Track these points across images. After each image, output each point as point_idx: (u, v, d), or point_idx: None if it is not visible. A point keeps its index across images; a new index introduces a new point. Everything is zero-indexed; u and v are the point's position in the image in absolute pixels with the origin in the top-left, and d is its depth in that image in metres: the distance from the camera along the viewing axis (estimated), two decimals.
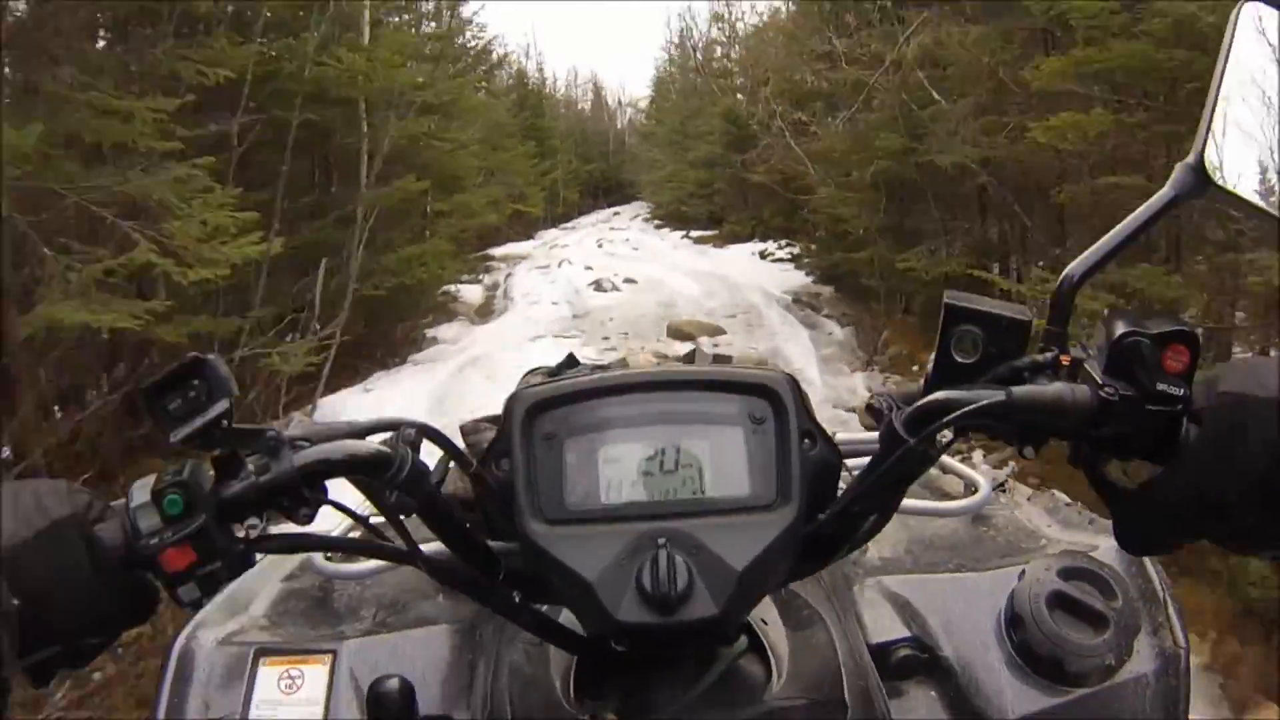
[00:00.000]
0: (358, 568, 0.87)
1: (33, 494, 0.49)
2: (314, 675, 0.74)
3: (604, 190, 34.41)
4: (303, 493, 0.53)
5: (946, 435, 0.53)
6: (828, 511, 0.59)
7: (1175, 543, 0.53)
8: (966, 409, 0.52)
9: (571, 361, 1.02)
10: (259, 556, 0.54)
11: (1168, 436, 0.50)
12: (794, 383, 0.59)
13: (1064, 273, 0.57)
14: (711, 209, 18.34)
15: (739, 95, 15.04)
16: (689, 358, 0.97)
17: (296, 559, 0.93)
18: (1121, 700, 0.70)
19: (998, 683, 0.70)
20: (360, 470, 0.54)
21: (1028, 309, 0.56)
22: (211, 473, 0.52)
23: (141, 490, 0.51)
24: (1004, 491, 0.99)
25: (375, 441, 0.56)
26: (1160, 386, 0.50)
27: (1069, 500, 0.97)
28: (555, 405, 0.58)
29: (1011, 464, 3.62)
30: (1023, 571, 0.72)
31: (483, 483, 0.59)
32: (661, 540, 0.53)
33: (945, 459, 1.09)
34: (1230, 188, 0.58)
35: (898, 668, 0.72)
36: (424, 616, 0.82)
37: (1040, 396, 0.52)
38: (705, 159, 17.98)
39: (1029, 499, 0.97)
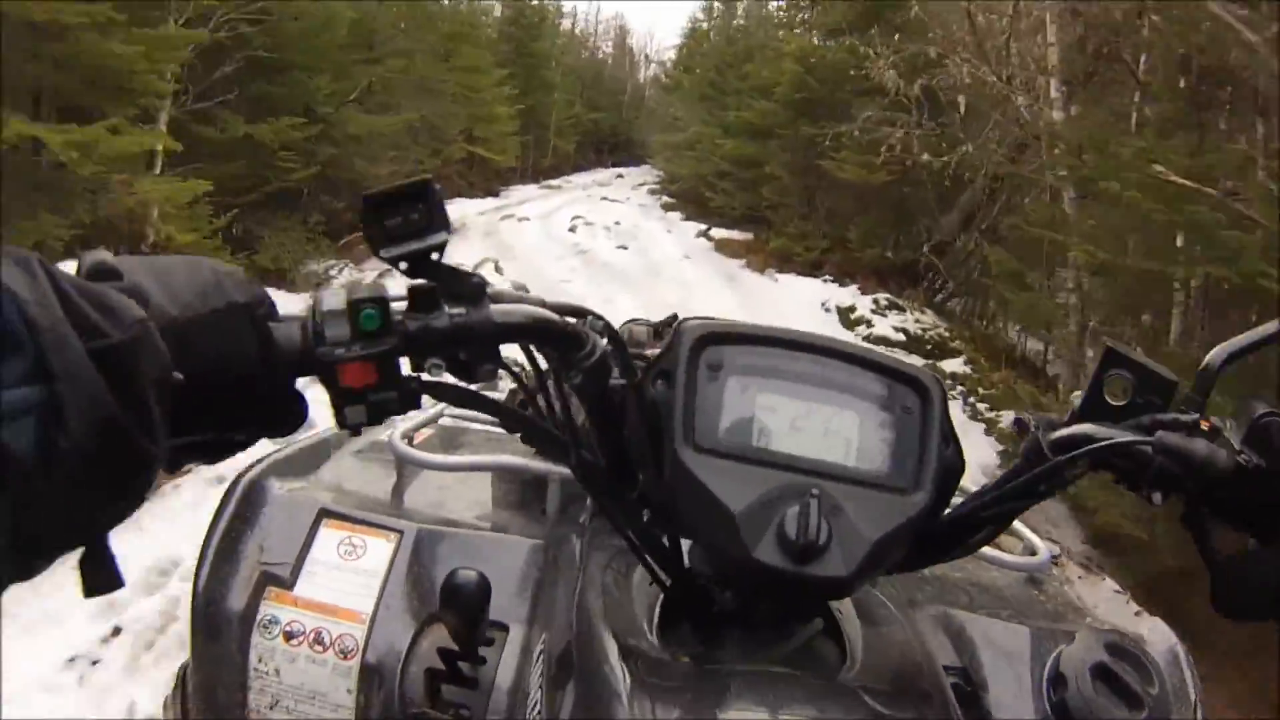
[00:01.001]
0: (433, 458, 0.95)
1: (213, 272, 0.50)
2: (376, 548, 0.82)
3: (610, 146, 32.86)
4: (488, 349, 0.56)
5: (1082, 466, 0.64)
6: (954, 510, 0.69)
7: (1265, 613, 0.63)
8: (1114, 441, 0.63)
9: (676, 319, 1.10)
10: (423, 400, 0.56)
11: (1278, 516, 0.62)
12: (942, 386, 0.69)
13: (1214, 350, 0.67)
14: (751, 202, 13.16)
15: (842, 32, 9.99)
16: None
17: (372, 435, 1.02)
18: None
19: None
20: (554, 342, 0.59)
21: (1172, 373, 0.67)
22: (404, 303, 0.55)
23: (334, 298, 0.53)
24: (1058, 564, 1.13)
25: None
26: None
27: (1118, 589, 1.08)
28: (726, 341, 0.66)
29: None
30: (1073, 636, 0.81)
31: (640, 396, 0.65)
32: (815, 491, 0.60)
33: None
34: None
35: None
36: (495, 522, 0.90)
37: (1186, 447, 0.62)
38: (751, 125, 12.80)
39: (1080, 578, 1.09)
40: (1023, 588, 1.04)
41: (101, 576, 0.45)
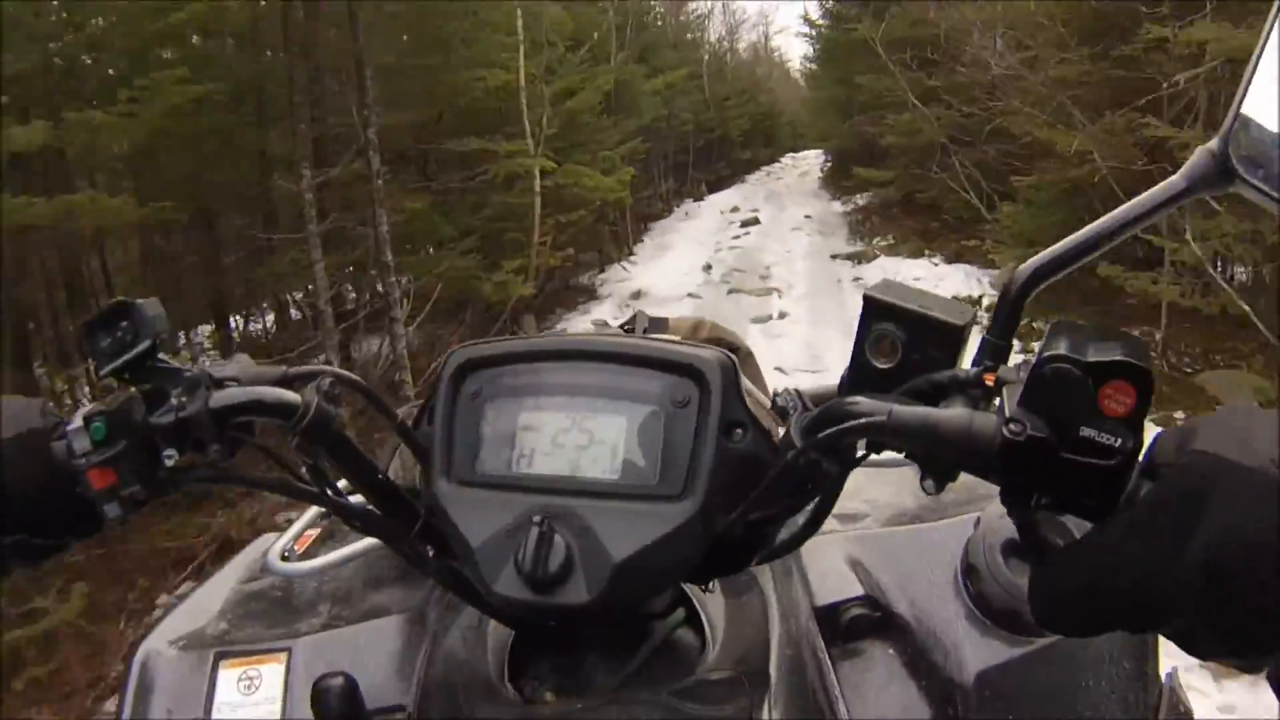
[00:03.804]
0: (313, 565, 0.97)
1: (12, 407, 0.62)
2: (271, 674, 0.83)
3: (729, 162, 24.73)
4: (217, 430, 0.61)
5: (859, 449, 0.54)
6: (733, 514, 0.60)
7: (1087, 625, 0.46)
8: (849, 424, 0.50)
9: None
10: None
11: (1106, 495, 0.45)
12: (728, 366, 0.61)
13: (1016, 270, 0.53)
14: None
15: None
16: (629, 324, 0.99)
17: (250, 562, 1.04)
18: (1085, 647, 0.72)
19: (955, 636, 0.74)
20: (265, 413, 0.62)
21: (970, 310, 0.54)
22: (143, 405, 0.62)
23: (79, 416, 0.62)
24: None
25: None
26: (1085, 432, 0.44)
27: None
28: (485, 365, 0.65)
29: None
30: (978, 520, 0.75)
31: (406, 436, 0.67)
32: (537, 518, 0.58)
33: None
34: (1258, 183, 0.51)
35: (849, 628, 0.77)
36: (376, 608, 0.90)
37: (922, 421, 0.48)
38: None
39: None
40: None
41: None
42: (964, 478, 0.88)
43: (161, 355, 0.62)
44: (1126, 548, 0.42)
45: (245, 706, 0.81)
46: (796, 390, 0.59)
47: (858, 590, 0.79)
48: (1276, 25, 0.53)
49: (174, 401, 0.61)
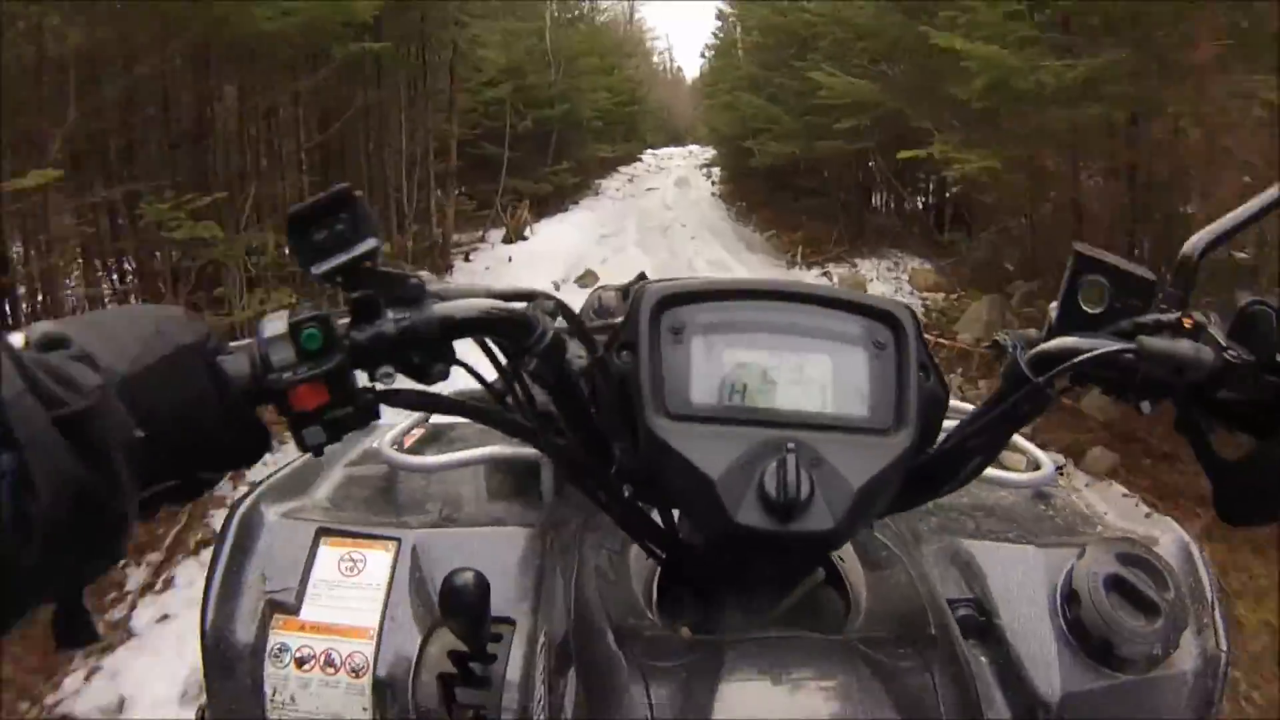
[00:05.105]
0: (424, 460, 0.96)
1: (153, 319, 0.51)
2: (376, 560, 0.82)
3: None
4: (439, 348, 0.57)
5: (1064, 382, 0.62)
6: (937, 445, 0.67)
7: (1271, 516, 0.61)
8: (1095, 353, 0.60)
9: (642, 276, 1.09)
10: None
11: (1278, 410, 0.58)
12: (915, 315, 0.67)
13: (1190, 240, 0.65)
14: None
15: None
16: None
17: (362, 446, 1.03)
18: (1161, 693, 0.78)
19: (1047, 656, 0.78)
20: (503, 331, 0.59)
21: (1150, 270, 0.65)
22: (345, 319, 0.55)
23: (276, 323, 0.54)
24: (1063, 474, 1.11)
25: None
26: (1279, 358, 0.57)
27: (1126, 492, 1.06)
28: (685, 301, 0.65)
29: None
30: (1083, 550, 0.80)
31: (605, 370, 0.64)
32: (791, 446, 0.59)
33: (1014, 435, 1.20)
34: None
35: (958, 626, 0.79)
36: (489, 515, 0.91)
37: (1169, 350, 0.59)
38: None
39: (1086, 485, 1.08)
40: (1030, 504, 1.02)
41: (77, 630, 0.47)
42: (1069, 511, 0.99)
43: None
44: None
45: (345, 587, 0.80)
46: (1013, 333, 0.66)
47: (968, 592, 0.84)
48: None
49: (391, 314, 0.55)
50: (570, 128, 14.46)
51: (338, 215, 0.54)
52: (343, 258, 0.53)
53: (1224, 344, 0.59)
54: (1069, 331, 0.63)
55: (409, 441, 1.06)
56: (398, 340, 0.55)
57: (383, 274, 0.55)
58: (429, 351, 0.57)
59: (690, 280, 0.67)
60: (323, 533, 0.83)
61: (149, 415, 0.47)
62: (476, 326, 0.57)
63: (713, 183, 19.97)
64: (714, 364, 0.64)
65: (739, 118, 13.31)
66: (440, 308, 0.56)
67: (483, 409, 0.66)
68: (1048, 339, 0.63)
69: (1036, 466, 1.04)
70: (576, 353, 0.65)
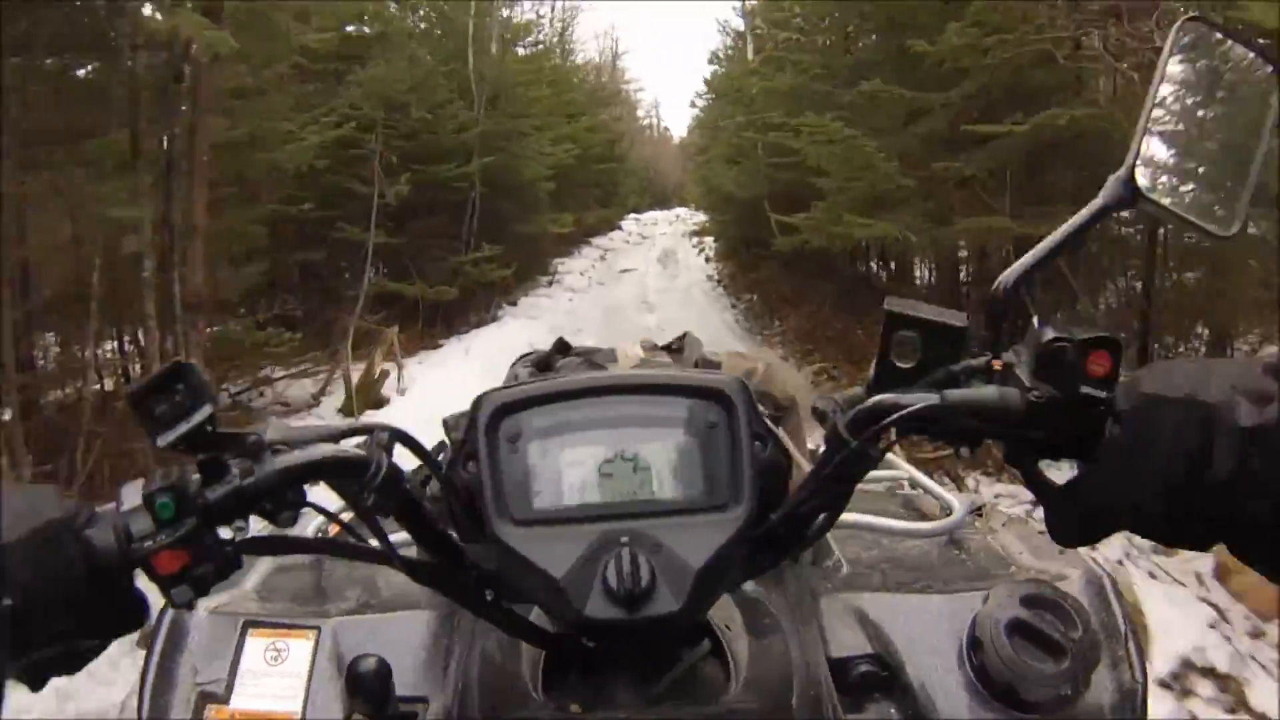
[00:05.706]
0: None
1: (24, 497, 0.54)
2: (298, 649, 0.87)
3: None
4: (285, 495, 0.60)
5: (890, 436, 0.63)
6: (779, 511, 0.68)
7: (1099, 536, 0.62)
8: (904, 411, 0.61)
9: (561, 346, 1.14)
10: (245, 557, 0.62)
11: (1092, 437, 0.59)
12: (744, 387, 0.69)
13: (998, 279, 0.67)
14: None
15: None
16: (677, 343, 1.09)
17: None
18: None
19: (955, 706, 0.79)
20: (339, 473, 0.62)
21: (964, 315, 0.65)
22: (197, 476, 0.59)
23: (133, 494, 0.57)
24: (980, 516, 1.10)
25: (351, 445, 0.64)
26: (1083, 390, 0.58)
27: (1043, 529, 1.06)
28: (521, 408, 0.68)
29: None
30: (986, 596, 0.81)
31: (452, 486, 0.68)
32: (624, 539, 0.63)
33: (925, 481, 1.23)
34: (1160, 200, 0.69)
35: (857, 683, 0.82)
36: (406, 599, 0.94)
37: (971, 399, 0.61)
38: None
39: (1004, 524, 1.08)
40: (943, 551, 1.01)
41: None
42: (983, 554, 0.99)
43: None
44: (1115, 473, 0.58)
45: (270, 676, 0.84)
46: (832, 398, 0.67)
47: (868, 648, 0.84)
48: (1167, 65, 0.66)
49: (236, 470, 0.58)
50: (501, 193, 9.90)
51: (174, 387, 0.57)
52: (184, 427, 0.57)
53: (1029, 384, 0.60)
54: (885, 388, 0.64)
55: (334, 530, 1.07)
56: (246, 495, 0.58)
57: (223, 435, 0.58)
58: (277, 500, 0.60)
59: (526, 385, 0.71)
60: (250, 625, 0.87)
61: (20, 587, 0.50)
62: (314, 473, 0.61)
63: (706, 259, 16.60)
64: (551, 467, 0.66)
65: (751, 170, 9.68)
66: (280, 460, 0.59)
67: (335, 542, 0.71)
68: (867, 397, 0.64)
69: (949, 512, 1.04)
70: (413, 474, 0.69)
